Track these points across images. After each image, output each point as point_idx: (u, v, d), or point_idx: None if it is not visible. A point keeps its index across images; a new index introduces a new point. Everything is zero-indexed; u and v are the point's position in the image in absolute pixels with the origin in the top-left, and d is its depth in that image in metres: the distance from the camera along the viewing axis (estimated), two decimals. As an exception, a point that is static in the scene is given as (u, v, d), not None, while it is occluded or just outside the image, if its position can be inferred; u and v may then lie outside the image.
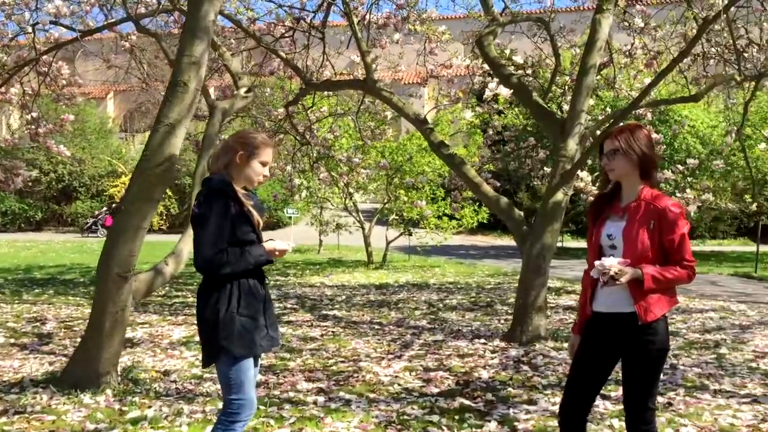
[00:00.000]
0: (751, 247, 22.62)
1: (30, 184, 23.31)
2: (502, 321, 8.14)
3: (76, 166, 27.51)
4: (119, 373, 5.15)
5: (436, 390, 5.10)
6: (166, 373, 5.53)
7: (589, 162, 9.35)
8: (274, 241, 3.02)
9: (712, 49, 8.81)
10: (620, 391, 5.15)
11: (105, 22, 7.73)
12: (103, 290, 4.69)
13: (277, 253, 2.98)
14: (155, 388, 5.03)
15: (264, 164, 2.97)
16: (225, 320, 2.86)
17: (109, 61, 9.74)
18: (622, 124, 3.00)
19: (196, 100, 4.57)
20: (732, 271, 15.78)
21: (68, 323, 7.79)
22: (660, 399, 4.91)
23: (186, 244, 5.54)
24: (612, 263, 2.75)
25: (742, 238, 25.58)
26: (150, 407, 4.57)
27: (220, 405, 4.71)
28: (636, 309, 2.79)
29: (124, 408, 4.54)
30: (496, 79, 8.17)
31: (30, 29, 7.70)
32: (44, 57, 8.11)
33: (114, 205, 24.90)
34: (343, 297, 10.30)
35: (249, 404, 2.99)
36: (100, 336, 4.77)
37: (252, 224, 2.93)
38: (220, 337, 2.88)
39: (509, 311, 8.59)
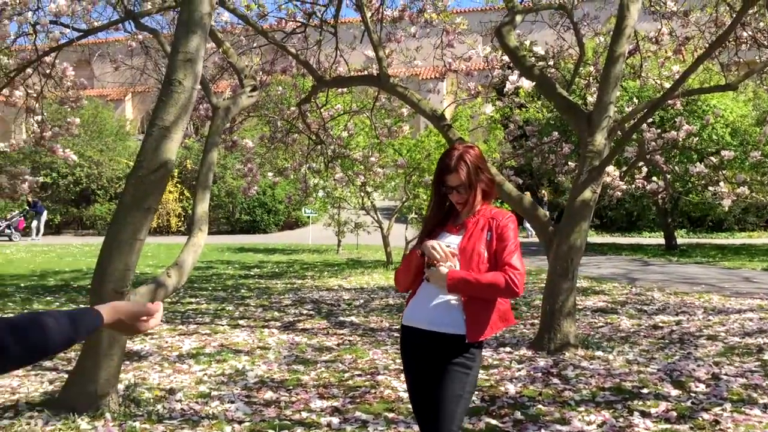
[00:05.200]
0: (784, 240, 21.94)
1: (38, 190, 22.91)
2: (528, 326, 7.73)
3: (93, 168, 27.40)
4: (121, 392, 4.83)
5: (459, 408, 4.71)
6: (172, 391, 5.19)
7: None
8: None
9: (745, 33, 8.31)
10: (661, 407, 4.76)
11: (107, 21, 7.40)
12: (97, 307, 4.35)
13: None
14: (158, 409, 4.69)
15: None
16: None
17: (117, 62, 9.41)
18: (457, 146, 2.84)
19: (193, 100, 4.21)
20: (765, 266, 15.18)
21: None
22: (705, 416, 4.49)
23: (189, 254, 5.19)
24: (442, 247, 2.66)
25: (772, 229, 24.89)
26: (150, 433, 4.23)
27: (227, 429, 4.39)
28: (465, 327, 2.66)
29: (122, 434, 4.21)
30: (516, 72, 7.74)
31: (31, 30, 7.39)
32: (47, 58, 7.79)
33: (26, 208, 24.25)
34: (361, 301, 9.93)
35: None
36: (96, 356, 4.44)
37: None
38: None
39: (535, 314, 8.17)
